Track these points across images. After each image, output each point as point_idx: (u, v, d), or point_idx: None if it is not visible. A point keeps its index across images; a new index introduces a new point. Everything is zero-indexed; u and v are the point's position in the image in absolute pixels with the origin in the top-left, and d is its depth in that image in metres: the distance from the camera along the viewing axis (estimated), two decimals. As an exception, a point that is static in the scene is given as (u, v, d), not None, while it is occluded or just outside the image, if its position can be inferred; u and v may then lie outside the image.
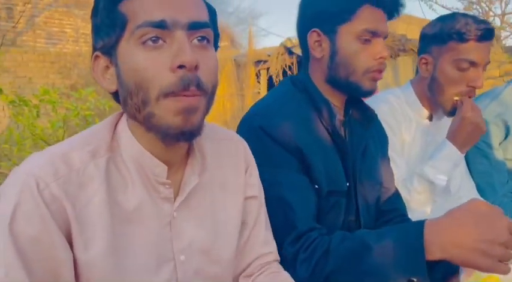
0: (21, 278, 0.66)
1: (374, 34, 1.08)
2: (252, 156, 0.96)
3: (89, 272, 0.72)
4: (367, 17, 1.07)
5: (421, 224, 0.93)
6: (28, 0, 9.24)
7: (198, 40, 0.73)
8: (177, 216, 0.81)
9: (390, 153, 1.33)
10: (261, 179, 0.98)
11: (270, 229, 0.98)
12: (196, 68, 0.71)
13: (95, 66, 0.77)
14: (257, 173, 0.97)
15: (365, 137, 1.21)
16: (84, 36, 10.04)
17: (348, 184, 1.13)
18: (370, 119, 1.22)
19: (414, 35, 4.13)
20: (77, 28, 10.02)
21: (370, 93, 1.13)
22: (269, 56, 8.35)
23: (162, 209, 0.80)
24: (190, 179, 0.83)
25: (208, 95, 0.74)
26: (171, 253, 0.80)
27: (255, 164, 0.97)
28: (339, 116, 1.18)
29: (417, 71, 1.51)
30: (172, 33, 0.71)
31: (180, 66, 0.70)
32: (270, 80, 8.36)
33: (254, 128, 1.06)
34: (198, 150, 0.85)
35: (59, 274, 0.70)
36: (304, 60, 1.21)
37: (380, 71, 1.11)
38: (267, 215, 0.98)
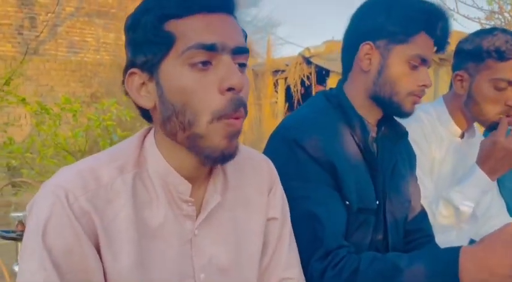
0: None
1: (423, 61, 1.10)
2: (277, 176, 0.95)
3: None
4: (421, 44, 1.09)
5: (455, 251, 0.91)
6: (51, 10, 9.45)
7: (240, 66, 0.75)
8: (198, 234, 0.81)
9: (418, 172, 1.30)
10: (291, 193, 0.97)
11: (296, 252, 0.96)
12: (241, 91, 0.74)
13: (129, 82, 0.77)
14: (281, 192, 0.95)
15: (395, 154, 1.20)
16: (105, 45, 10.20)
17: (377, 202, 1.11)
18: (400, 135, 1.21)
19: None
20: (98, 37, 10.19)
21: (409, 114, 1.14)
22: (287, 65, 8.36)
23: (184, 226, 0.80)
24: (212, 197, 0.83)
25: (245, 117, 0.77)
26: (192, 271, 0.80)
27: (280, 184, 0.95)
28: (372, 133, 1.17)
29: (451, 86, 1.47)
30: (219, 56, 0.73)
31: (229, 89, 0.72)
32: (287, 89, 8.36)
33: (288, 141, 1.05)
34: (220, 168, 0.86)
35: None
36: (344, 72, 1.20)
37: (420, 97, 1.12)
38: (293, 237, 0.96)
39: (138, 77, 0.76)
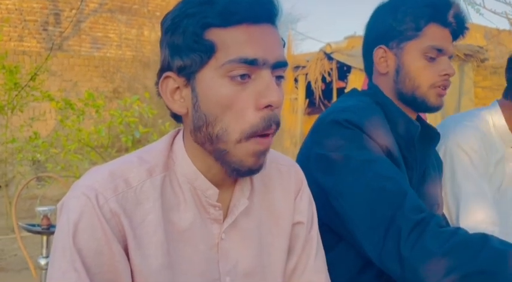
0: None
1: (440, 52, 1.09)
2: (304, 179, 0.94)
3: None
4: (433, 35, 1.09)
5: None
6: (75, 6, 9.59)
7: (277, 78, 0.74)
8: (225, 238, 0.81)
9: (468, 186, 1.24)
10: (346, 165, 0.96)
11: (323, 258, 0.95)
12: (278, 107, 0.73)
13: (163, 85, 0.76)
14: (308, 197, 0.94)
15: (427, 157, 1.18)
16: (127, 41, 10.32)
17: None
18: (433, 137, 1.19)
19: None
20: (120, 33, 10.32)
21: (437, 108, 1.12)
22: (308, 61, 8.31)
23: (211, 230, 0.80)
24: (239, 201, 0.83)
25: None
26: (218, 274, 0.80)
27: (307, 188, 0.94)
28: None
29: (505, 94, 1.39)
30: (259, 71, 0.72)
31: (267, 106, 0.71)
32: (308, 85, 8.31)
33: (339, 121, 1.02)
34: None
35: None
36: (369, 78, 1.21)
37: (445, 87, 1.11)
38: (320, 244, 0.95)
39: (173, 80, 0.75)
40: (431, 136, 1.19)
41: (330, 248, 0.99)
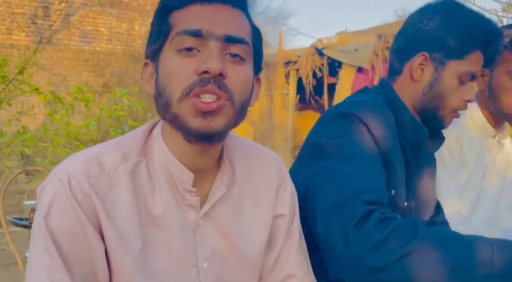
0: (61, 269, 0.72)
1: (472, 78, 1.10)
2: (287, 173, 0.95)
3: (118, 266, 0.76)
4: (474, 61, 1.09)
5: None
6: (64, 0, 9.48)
7: (231, 56, 0.76)
8: (202, 224, 0.83)
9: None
10: (335, 152, 0.97)
11: (305, 251, 0.96)
12: (221, 76, 0.73)
13: (144, 73, 0.82)
14: (291, 190, 0.95)
15: (428, 157, 1.20)
16: (117, 35, 10.23)
17: (405, 203, 1.12)
18: (436, 139, 1.19)
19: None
20: (111, 27, 10.21)
21: (444, 128, 1.15)
22: (299, 57, 8.30)
23: (188, 216, 0.82)
24: (218, 189, 0.84)
25: (235, 104, 0.76)
26: (195, 260, 0.82)
27: (290, 181, 0.96)
28: None
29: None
30: (206, 43, 0.74)
31: (205, 72, 0.73)
32: (299, 81, 8.31)
33: (347, 115, 1.03)
34: (228, 162, 0.87)
35: (94, 265, 0.75)
36: (390, 73, 1.18)
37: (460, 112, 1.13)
38: (302, 236, 0.96)
39: (150, 68, 0.80)
40: (435, 138, 1.19)
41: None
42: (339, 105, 1.10)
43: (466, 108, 1.12)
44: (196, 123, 0.73)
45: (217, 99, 0.73)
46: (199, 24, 0.74)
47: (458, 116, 1.13)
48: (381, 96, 1.12)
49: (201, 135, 0.74)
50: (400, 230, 0.87)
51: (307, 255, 0.96)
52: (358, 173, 0.96)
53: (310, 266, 0.95)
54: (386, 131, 1.04)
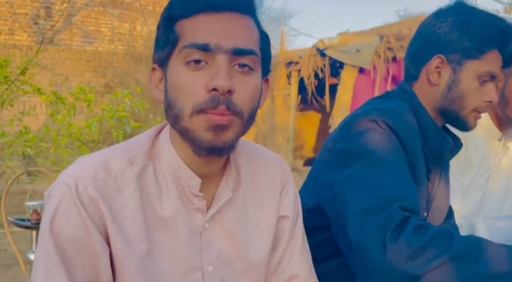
0: (60, 273, 0.73)
1: (492, 77, 1.10)
2: (290, 175, 0.96)
3: (122, 269, 0.77)
4: (492, 60, 1.09)
5: None
6: (66, 0, 9.49)
7: (239, 66, 0.76)
8: (208, 227, 0.84)
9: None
10: (365, 157, 0.96)
11: (308, 252, 0.97)
12: (230, 92, 0.73)
13: (152, 77, 0.82)
14: (294, 192, 0.96)
15: (445, 166, 1.20)
16: (119, 35, 10.24)
17: (425, 214, 1.13)
18: (456, 146, 1.19)
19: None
20: (113, 27, 10.22)
21: (470, 129, 1.14)
22: (301, 57, 8.30)
23: (194, 219, 0.83)
24: (223, 193, 0.85)
25: (244, 117, 0.76)
26: (200, 263, 0.83)
27: (293, 183, 0.96)
28: None
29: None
30: (214, 56, 0.74)
31: (214, 89, 0.73)
32: (301, 81, 8.31)
33: (377, 121, 1.02)
34: (234, 166, 0.88)
35: (98, 269, 0.75)
36: (407, 78, 1.17)
37: (483, 112, 1.12)
38: (305, 237, 0.96)
39: (158, 72, 0.81)
40: (457, 146, 1.19)
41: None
42: (363, 111, 1.08)
43: (487, 110, 1.12)
44: (208, 136, 0.74)
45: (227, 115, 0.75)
46: (206, 38, 0.73)
47: (480, 117, 1.12)
48: (405, 104, 1.11)
49: (211, 148, 0.75)
50: (438, 238, 0.87)
51: (310, 256, 0.96)
52: (393, 178, 0.95)
53: (313, 267, 0.96)
54: (413, 142, 1.04)
